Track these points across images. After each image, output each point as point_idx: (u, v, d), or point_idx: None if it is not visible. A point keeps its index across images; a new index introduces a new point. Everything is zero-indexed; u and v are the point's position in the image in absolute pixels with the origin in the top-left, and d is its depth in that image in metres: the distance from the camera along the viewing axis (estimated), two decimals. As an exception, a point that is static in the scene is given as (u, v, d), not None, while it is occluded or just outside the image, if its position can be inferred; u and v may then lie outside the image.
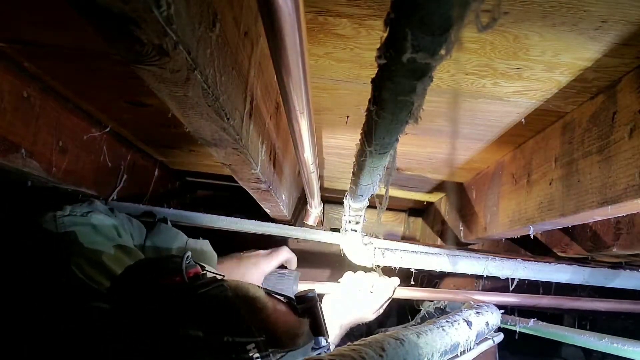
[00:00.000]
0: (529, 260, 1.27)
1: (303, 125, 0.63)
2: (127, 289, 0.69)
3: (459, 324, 1.08)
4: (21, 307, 0.74)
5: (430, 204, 1.98)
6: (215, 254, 1.19)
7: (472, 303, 1.29)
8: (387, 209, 1.47)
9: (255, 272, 1.24)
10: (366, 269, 1.31)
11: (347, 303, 1.26)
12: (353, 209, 0.99)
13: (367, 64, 0.80)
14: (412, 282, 1.35)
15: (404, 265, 1.25)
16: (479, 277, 1.43)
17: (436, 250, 1.31)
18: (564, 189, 0.86)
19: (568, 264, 1.26)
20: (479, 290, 1.47)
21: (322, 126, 1.13)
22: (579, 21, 0.62)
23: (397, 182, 1.62)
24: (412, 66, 0.32)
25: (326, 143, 1.26)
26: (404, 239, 2.10)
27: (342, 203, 1.02)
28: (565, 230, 1.34)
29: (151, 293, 0.66)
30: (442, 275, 1.52)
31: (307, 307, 0.87)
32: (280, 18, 0.39)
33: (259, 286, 0.76)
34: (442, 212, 1.78)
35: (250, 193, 0.98)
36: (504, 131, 1.02)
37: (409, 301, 1.60)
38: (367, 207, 0.99)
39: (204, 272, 0.73)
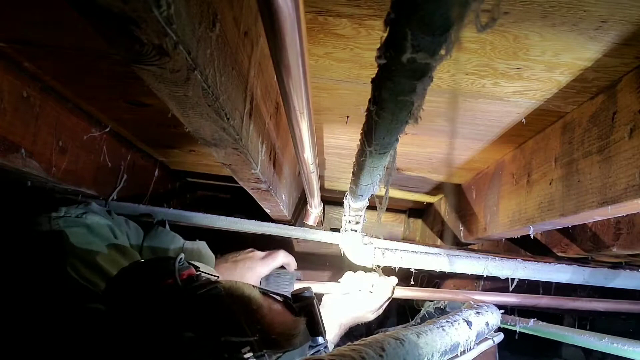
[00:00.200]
0: (528, 260, 1.27)
1: (303, 125, 0.63)
2: (120, 292, 0.69)
3: (459, 324, 1.08)
4: (17, 308, 0.73)
5: (430, 204, 1.98)
6: (213, 256, 1.19)
7: (472, 303, 1.29)
8: (387, 209, 1.47)
9: (251, 276, 1.23)
10: (366, 269, 1.31)
11: (347, 303, 1.26)
12: (353, 209, 0.99)
13: (367, 64, 0.80)
14: (412, 282, 1.35)
15: (403, 265, 1.25)
16: (479, 277, 1.43)
17: (436, 250, 1.31)
18: (564, 189, 0.86)
19: (568, 264, 1.26)
20: (479, 290, 1.47)
21: (322, 126, 1.13)
22: (579, 21, 0.62)
23: (397, 182, 1.62)
24: (412, 66, 0.32)
25: (326, 143, 1.26)
26: (404, 239, 2.10)
27: (342, 203, 1.02)
28: (565, 231, 1.34)
29: (144, 296, 0.66)
30: (442, 276, 1.52)
31: (303, 305, 0.86)
32: (280, 18, 0.39)
33: (254, 286, 0.76)
34: (441, 213, 1.78)
35: (250, 193, 0.98)
36: (504, 131, 1.03)
37: (409, 301, 1.60)
38: (367, 207, 0.99)
39: (198, 273, 0.73)
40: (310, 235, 1.33)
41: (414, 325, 1.21)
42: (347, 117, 1.05)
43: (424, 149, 1.23)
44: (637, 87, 0.70)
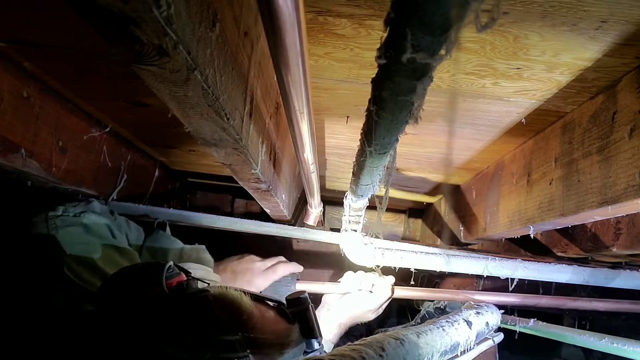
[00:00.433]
0: (528, 260, 1.27)
1: (303, 125, 0.63)
2: (109, 300, 0.68)
3: (459, 324, 1.08)
4: (14, 307, 0.74)
5: (430, 204, 1.98)
6: (211, 260, 1.19)
7: (472, 303, 1.29)
8: (387, 209, 1.47)
9: (249, 289, 1.23)
10: (366, 269, 1.31)
11: (346, 303, 1.26)
12: (353, 209, 0.99)
13: (367, 64, 0.80)
14: (412, 282, 1.35)
15: (403, 265, 1.25)
16: (479, 277, 1.43)
17: (436, 250, 1.31)
18: (564, 189, 0.86)
19: (568, 264, 1.26)
20: (479, 290, 1.47)
21: (322, 126, 1.13)
22: (579, 21, 0.62)
23: (397, 182, 1.62)
24: (412, 66, 0.32)
25: (326, 143, 1.26)
26: (404, 239, 2.10)
27: (342, 203, 1.02)
28: (565, 231, 1.34)
29: (131, 306, 0.65)
30: (442, 275, 1.52)
31: (298, 311, 0.81)
32: (280, 18, 0.39)
33: (245, 292, 0.73)
34: (441, 213, 1.78)
35: (250, 193, 0.98)
36: (504, 131, 1.03)
37: (409, 301, 1.60)
38: (367, 207, 0.99)
39: (189, 278, 0.71)
40: (310, 235, 1.33)
41: (414, 325, 1.21)
42: (347, 117, 1.05)
43: (424, 149, 1.23)
44: (637, 87, 0.70)
